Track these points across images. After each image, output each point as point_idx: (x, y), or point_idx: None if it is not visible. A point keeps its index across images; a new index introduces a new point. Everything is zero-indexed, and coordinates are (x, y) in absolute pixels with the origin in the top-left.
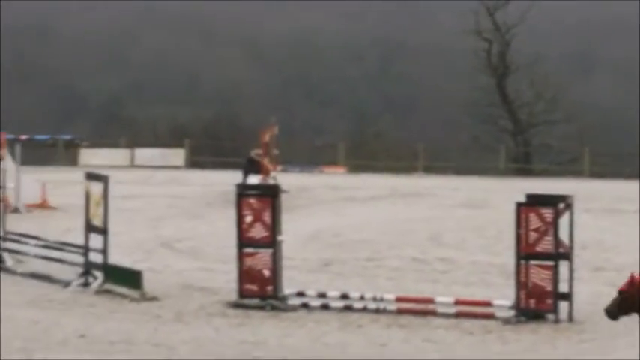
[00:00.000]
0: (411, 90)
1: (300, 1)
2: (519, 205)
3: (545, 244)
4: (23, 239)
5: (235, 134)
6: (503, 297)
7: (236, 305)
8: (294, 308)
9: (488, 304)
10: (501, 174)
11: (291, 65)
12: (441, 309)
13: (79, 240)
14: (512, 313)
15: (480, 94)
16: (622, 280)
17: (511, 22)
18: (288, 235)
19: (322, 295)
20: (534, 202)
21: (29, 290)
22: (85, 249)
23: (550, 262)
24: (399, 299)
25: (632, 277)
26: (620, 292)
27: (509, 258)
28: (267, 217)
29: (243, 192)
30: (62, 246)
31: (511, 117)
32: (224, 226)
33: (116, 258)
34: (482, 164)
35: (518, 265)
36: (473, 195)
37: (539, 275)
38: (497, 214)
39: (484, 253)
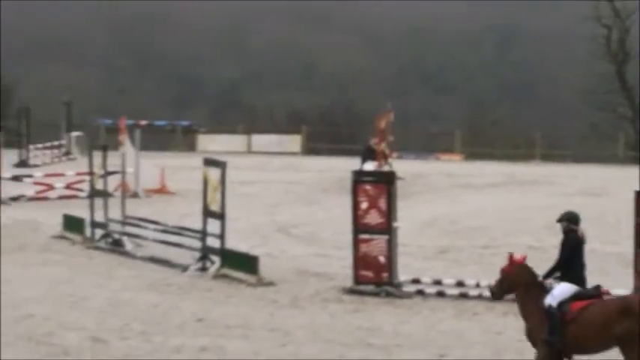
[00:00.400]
0: (528, 77)
1: None
2: (638, 194)
3: None
4: (142, 224)
5: (351, 120)
6: (622, 286)
7: (351, 291)
8: (409, 295)
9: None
10: (620, 162)
11: (407, 51)
12: None
13: (197, 225)
14: None
15: (598, 80)
16: None
17: (631, 8)
18: (403, 222)
19: (438, 283)
20: None
21: (148, 274)
22: (203, 234)
23: None
24: None
25: (511, 257)
26: (502, 271)
27: (627, 247)
28: (382, 203)
29: (359, 178)
30: (180, 231)
31: (630, 104)
32: (339, 213)
33: (233, 243)
34: (600, 152)
35: (637, 254)
36: (591, 183)
37: None
38: (616, 203)
39: (602, 242)
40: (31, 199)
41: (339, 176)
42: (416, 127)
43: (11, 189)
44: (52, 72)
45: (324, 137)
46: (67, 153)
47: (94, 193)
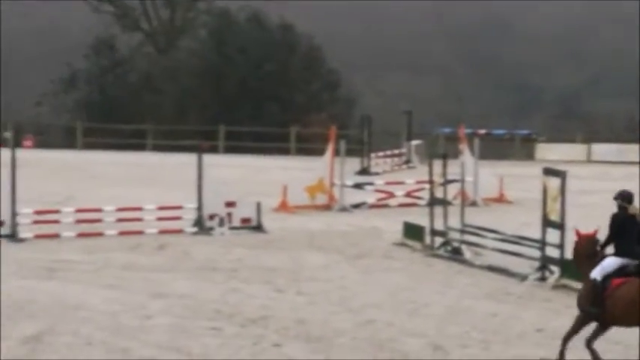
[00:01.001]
0: None
1: None
2: None
3: None
4: (481, 232)
5: None
6: None
7: None
8: None
9: None
10: None
11: None
12: None
13: (536, 234)
14: None
15: None
16: None
17: None
18: None
19: None
20: None
21: (486, 283)
22: (542, 243)
23: None
24: None
25: (577, 232)
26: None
27: None
28: None
29: None
30: (519, 240)
31: None
32: None
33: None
34: None
35: None
36: None
37: None
38: None
39: None
40: (372, 206)
41: None
42: None
43: (353, 196)
44: (393, 81)
45: None
46: (407, 161)
47: (433, 202)
